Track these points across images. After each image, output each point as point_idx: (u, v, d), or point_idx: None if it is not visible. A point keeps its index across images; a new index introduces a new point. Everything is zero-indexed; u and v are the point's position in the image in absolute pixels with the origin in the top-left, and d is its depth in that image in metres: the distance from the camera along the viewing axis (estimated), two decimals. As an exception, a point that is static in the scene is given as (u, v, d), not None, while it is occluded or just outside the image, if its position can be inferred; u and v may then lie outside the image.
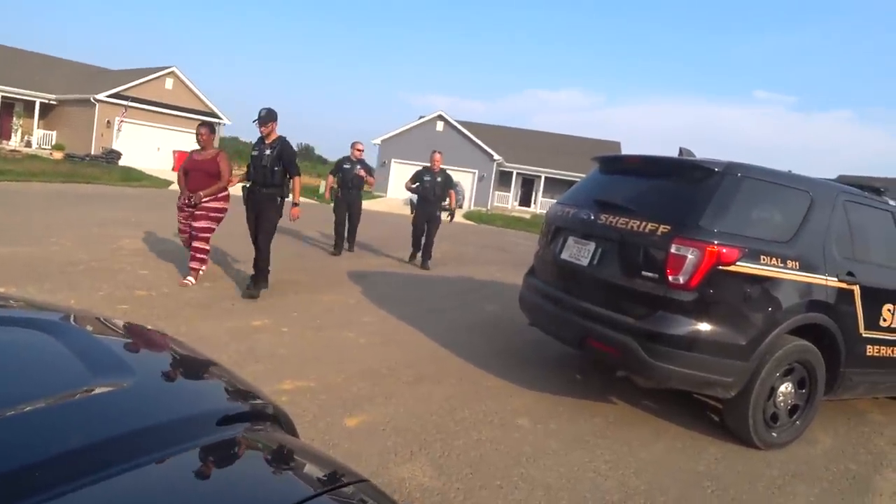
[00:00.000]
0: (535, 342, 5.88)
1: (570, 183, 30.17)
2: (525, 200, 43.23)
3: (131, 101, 31.86)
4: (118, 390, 1.20)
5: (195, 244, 6.79)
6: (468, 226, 23.28)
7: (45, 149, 31.31)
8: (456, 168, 32.32)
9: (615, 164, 5.38)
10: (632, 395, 4.86)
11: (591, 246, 4.59)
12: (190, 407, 1.30)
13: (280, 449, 1.28)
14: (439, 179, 10.19)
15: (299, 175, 6.94)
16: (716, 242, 3.89)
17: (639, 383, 4.37)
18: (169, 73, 34.64)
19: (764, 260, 4.00)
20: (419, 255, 10.41)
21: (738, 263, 3.92)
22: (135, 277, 6.73)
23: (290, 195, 6.83)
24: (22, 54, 36.05)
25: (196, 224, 6.74)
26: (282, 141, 6.74)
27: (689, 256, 3.90)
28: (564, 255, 4.85)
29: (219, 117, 36.02)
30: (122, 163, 28.68)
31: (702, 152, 4.82)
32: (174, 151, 30.92)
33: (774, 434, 4.24)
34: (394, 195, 35.74)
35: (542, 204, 40.10)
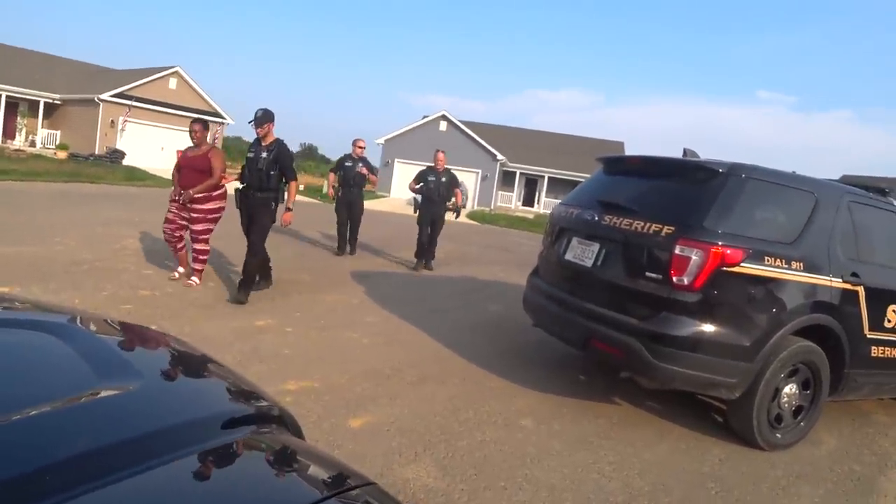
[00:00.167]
0: (539, 343, 5.88)
1: (574, 183, 30.24)
2: (528, 200, 43.21)
3: (135, 100, 31.94)
4: (124, 393, 1.20)
5: (195, 246, 6.74)
6: (471, 226, 23.29)
7: (49, 148, 31.39)
8: (459, 168, 32.25)
9: (619, 165, 5.38)
10: (635, 396, 4.86)
11: (595, 247, 4.59)
12: (196, 410, 1.30)
13: (286, 452, 1.28)
14: (444, 179, 10.00)
15: (296, 179, 6.80)
16: (720, 243, 3.89)
17: (642, 384, 4.36)
18: (173, 73, 34.73)
19: (768, 261, 4.00)
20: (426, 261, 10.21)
21: (742, 264, 3.92)
22: (138, 277, 6.74)
23: (285, 199, 6.65)
24: (26, 54, 36.14)
25: (194, 227, 6.67)
26: (279, 143, 6.58)
27: (694, 257, 3.89)
28: (568, 256, 4.85)
29: (222, 117, 36.11)
30: (125, 162, 28.74)
31: (705, 153, 4.82)
32: (178, 151, 30.89)
33: (779, 435, 4.24)
34: (397, 195, 35.78)
35: (545, 204, 40.09)
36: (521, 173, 41.83)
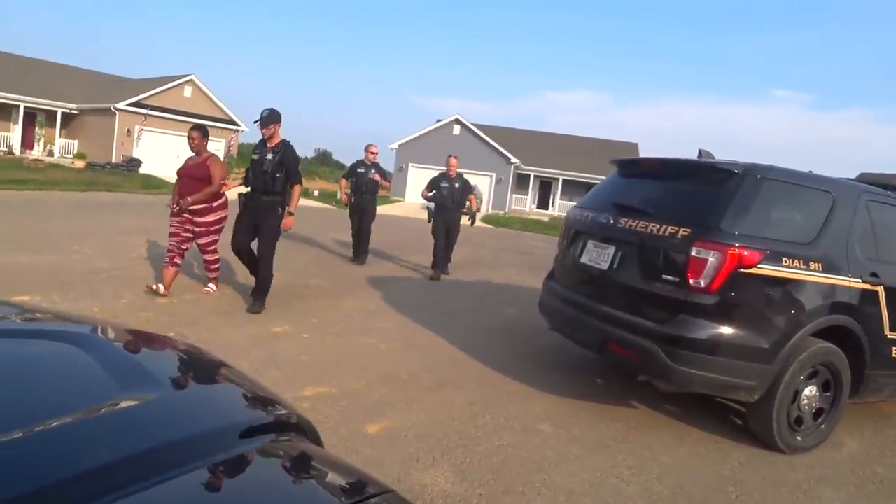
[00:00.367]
0: (555, 346, 5.86)
1: (589, 185, 30.16)
2: (543, 203, 43.15)
3: (151, 109, 32.25)
4: (144, 403, 1.21)
5: (205, 258, 6.71)
6: (486, 229, 23.28)
7: (66, 157, 31.80)
8: (473, 171, 32.35)
9: (634, 167, 5.36)
10: (653, 399, 4.83)
11: (611, 250, 4.57)
12: (214, 419, 1.31)
13: (305, 460, 1.28)
14: (457, 185, 9.78)
15: (301, 183, 6.51)
16: (737, 245, 3.86)
17: (660, 387, 4.34)
18: (187, 81, 35.06)
19: (786, 262, 3.97)
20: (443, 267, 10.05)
21: (759, 266, 3.89)
22: (160, 279, 6.79)
23: (288, 203, 6.36)
24: (44, 65, 36.64)
25: (200, 241, 6.54)
26: (285, 145, 6.31)
27: (710, 259, 3.87)
28: (584, 259, 4.84)
29: (237, 124, 36.40)
30: (142, 170, 29.03)
31: (720, 153, 4.80)
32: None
33: (799, 438, 4.20)
34: (411, 199, 35.85)
35: (560, 206, 40.04)
36: (535, 176, 41.78)
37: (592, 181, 32.58)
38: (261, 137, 6.44)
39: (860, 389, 4.42)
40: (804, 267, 4.03)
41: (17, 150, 32.02)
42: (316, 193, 30.99)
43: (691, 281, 3.93)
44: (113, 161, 30.40)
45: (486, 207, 36.85)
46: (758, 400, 4.05)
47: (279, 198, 6.29)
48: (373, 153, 10.35)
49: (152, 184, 22.94)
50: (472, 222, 10.44)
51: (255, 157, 6.38)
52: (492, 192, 38.87)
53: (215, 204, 6.51)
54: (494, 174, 38.90)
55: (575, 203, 5.73)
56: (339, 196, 11.06)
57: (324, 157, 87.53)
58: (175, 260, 6.48)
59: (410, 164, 39.20)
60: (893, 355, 4.52)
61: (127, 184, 21.50)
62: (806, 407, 4.21)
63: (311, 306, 6.78)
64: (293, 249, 10.64)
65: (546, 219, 33.48)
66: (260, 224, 6.30)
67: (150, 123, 32.29)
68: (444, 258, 9.99)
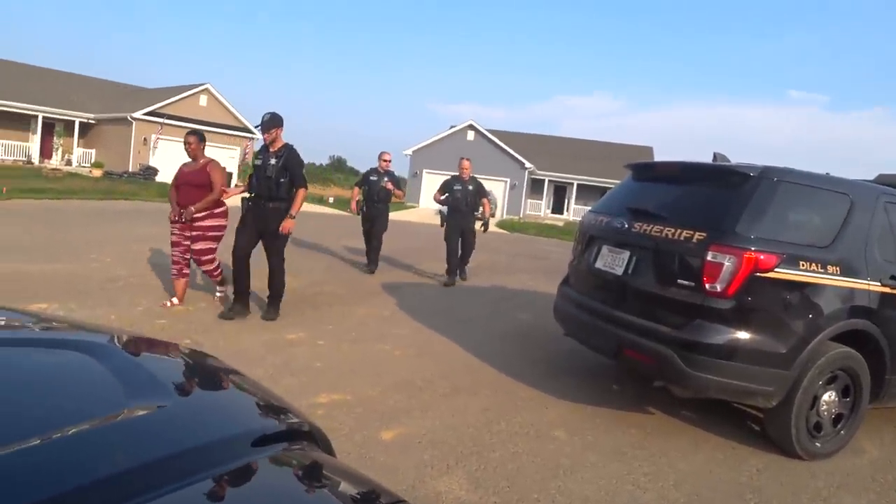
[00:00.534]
0: (570, 352, 5.83)
1: (603, 189, 30.05)
2: (557, 208, 43.09)
3: (167, 118, 32.58)
4: (157, 412, 1.22)
5: (204, 269, 6.50)
6: (501, 234, 23.24)
7: (84, 167, 32.21)
8: (487, 177, 32.28)
9: (648, 171, 5.34)
10: (669, 405, 4.79)
11: (626, 254, 4.55)
12: (227, 428, 1.31)
13: (317, 469, 1.28)
14: (470, 188, 9.46)
15: (306, 187, 6.37)
16: (753, 249, 3.83)
17: (676, 393, 4.30)
18: (203, 90, 35.41)
19: (803, 265, 3.93)
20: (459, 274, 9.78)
21: (776, 270, 3.85)
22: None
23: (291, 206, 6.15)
24: (61, 76, 37.17)
25: (195, 247, 6.30)
26: (288, 149, 6.18)
27: (726, 264, 3.84)
28: (599, 265, 4.81)
29: (252, 132, 36.61)
30: (158, 179, 29.29)
31: (735, 156, 4.77)
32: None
33: (818, 444, 4.14)
34: (426, 205, 35.90)
35: (574, 211, 39.95)
36: (549, 181, 41.73)
37: (607, 185, 32.50)
38: (262, 143, 6.32)
39: (880, 394, 4.36)
40: (822, 270, 3.98)
41: (35, 159, 32.50)
42: (331, 200, 31.14)
43: (707, 285, 3.90)
44: (130, 170, 30.76)
45: (500, 213, 36.84)
46: (776, 405, 4.00)
47: (285, 204, 6.14)
48: (386, 161, 10.13)
49: (168, 192, 23.09)
50: (485, 229, 10.03)
51: (259, 162, 6.24)
52: (506, 198, 38.84)
53: (216, 211, 6.35)
54: (509, 180, 38.89)
55: (589, 208, 5.70)
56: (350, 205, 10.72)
57: (338, 164, 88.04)
58: (183, 271, 6.40)
59: (424, 171, 39.29)
60: (915, 360, 4.45)
61: (143, 192, 21.71)
62: (825, 412, 4.16)
63: (326, 313, 6.79)
64: (308, 257, 10.68)
65: (561, 224, 33.39)
66: (266, 231, 6.16)
67: (166, 132, 32.59)
68: (460, 263, 9.75)
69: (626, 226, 4.59)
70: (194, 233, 6.26)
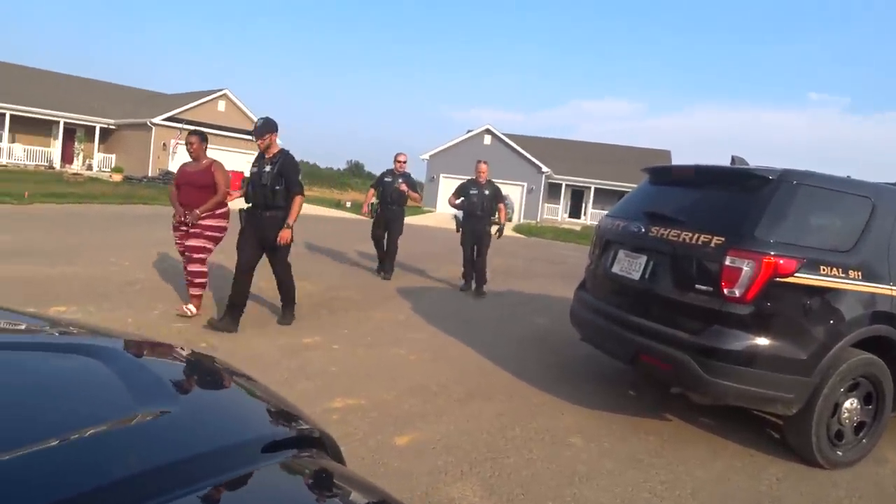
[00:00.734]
0: (587, 357, 5.79)
1: (621, 194, 29.92)
2: (575, 212, 42.95)
3: (186, 123, 32.86)
4: (166, 417, 1.21)
5: (189, 268, 6.07)
6: (518, 239, 23.21)
7: (104, 171, 32.58)
8: (504, 181, 32.18)
9: (665, 175, 5.29)
10: (687, 411, 4.73)
11: (643, 259, 4.50)
12: (236, 433, 1.30)
13: (327, 477, 1.27)
14: (487, 192, 9.11)
15: (302, 193, 6.07)
16: (772, 253, 3.77)
17: (694, 400, 4.25)
18: (221, 96, 35.74)
19: (824, 270, 3.86)
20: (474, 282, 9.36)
21: (796, 275, 3.79)
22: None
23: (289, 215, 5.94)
24: (82, 82, 37.74)
25: (188, 242, 6.04)
26: (283, 154, 6.00)
27: (745, 268, 3.79)
28: (615, 269, 4.77)
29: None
30: (177, 183, 29.47)
31: (754, 159, 4.71)
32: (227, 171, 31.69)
33: (839, 452, 4.06)
34: (443, 210, 35.92)
35: (592, 215, 39.79)
36: (566, 185, 41.62)
37: (624, 189, 32.33)
38: (258, 151, 6.15)
39: (904, 402, 4.28)
40: (843, 275, 3.92)
41: (57, 164, 32.99)
42: (348, 204, 31.20)
43: (725, 290, 3.85)
44: (149, 174, 31.07)
45: (517, 217, 36.79)
46: (796, 413, 3.93)
47: (282, 212, 5.92)
48: (401, 162, 9.82)
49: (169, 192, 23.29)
50: (500, 234, 9.48)
51: (254, 170, 6.04)
52: (523, 202, 38.81)
53: (218, 211, 6.16)
54: (526, 184, 38.85)
55: (607, 212, 5.66)
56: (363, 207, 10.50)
57: (356, 169, 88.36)
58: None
59: (441, 175, 39.32)
60: (939, 367, 4.37)
61: (163, 197, 21.84)
62: (846, 420, 4.08)
63: (342, 318, 6.79)
64: (324, 261, 10.72)
65: (578, 228, 33.26)
66: (266, 241, 5.97)
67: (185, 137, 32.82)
68: (480, 275, 9.31)
69: (643, 230, 4.55)
70: (193, 230, 6.07)
